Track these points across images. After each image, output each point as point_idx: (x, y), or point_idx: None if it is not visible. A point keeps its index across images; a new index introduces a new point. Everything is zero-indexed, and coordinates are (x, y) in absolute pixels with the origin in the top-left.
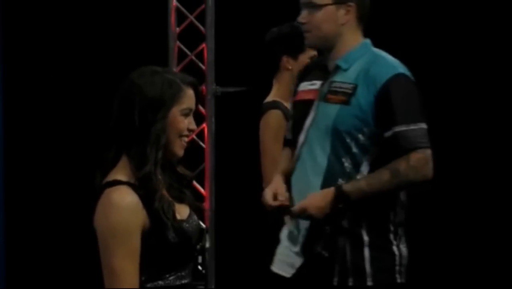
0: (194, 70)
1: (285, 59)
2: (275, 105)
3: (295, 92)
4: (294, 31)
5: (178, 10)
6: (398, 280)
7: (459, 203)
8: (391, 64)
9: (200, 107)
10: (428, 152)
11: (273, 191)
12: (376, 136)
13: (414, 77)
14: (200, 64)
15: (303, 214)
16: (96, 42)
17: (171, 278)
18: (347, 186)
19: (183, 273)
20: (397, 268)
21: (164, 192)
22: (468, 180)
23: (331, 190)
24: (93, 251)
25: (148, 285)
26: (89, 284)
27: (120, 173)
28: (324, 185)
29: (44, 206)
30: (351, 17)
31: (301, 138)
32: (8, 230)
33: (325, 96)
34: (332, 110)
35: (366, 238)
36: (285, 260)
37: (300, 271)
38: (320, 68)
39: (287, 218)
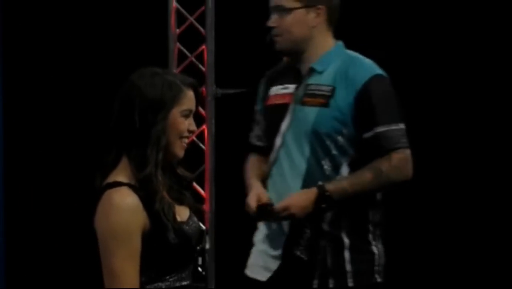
0: (194, 72)
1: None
2: None
3: (265, 97)
4: None
5: (178, 11)
6: (378, 280)
7: (431, 201)
8: (369, 66)
9: (200, 109)
10: (408, 152)
11: (256, 196)
12: (355, 137)
13: (393, 78)
14: (200, 66)
15: (285, 212)
16: (96, 44)
17: (171, 279)
18: (330, 186)
19: (183, 275)
20: (376, 268)
21: (165, 193)
22: (439, 178)
23: (313, 190)
24: (93, 251)
25: (148, 287)
26: (89, 284)
27: (121, 174)
28: (304, 188)
29: (44, 206)
30: (321, 20)
31: (278, 142)
32: (8, 230)
33: (301, 99)
34: (310, 112)
35: (346, 240)
36: (261, 264)
37: (278, 275)
38: (292, 71)
39: (260, 223)
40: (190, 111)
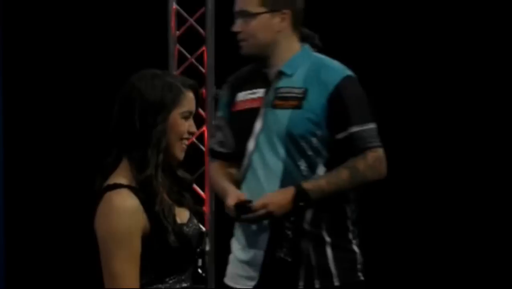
0: (194, 73)
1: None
2: None
3: (230, 103)
4: None
5: (178, 13)
6: (361, 278)
7: (403, 199)
8: (339, 67)
9: (200, 110)
10: (382, 150)
11: (235, 195)
12: (328, 138)
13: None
14: (200, 67)
15: (263, 210)
16: (96, 45)
17: (171, 281)
18: (307, 184)
19: (183, 277)
20: (358, 266)
21: (165, 195)
22: (412, 177)
23: (291, 188)
24: (93, 252)
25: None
26: (89, 285)
27: (121, 176)
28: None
29: (44, 207)
30: (286, 24)
31: (250, 146)
32: (8, 230)
33: (272, 103)
34: (283, 115)
35: (327, 238)
36: (241, 273)
37: (263, 280)
38: (259, 76)
39: (237, 230)
40: (190, 112)
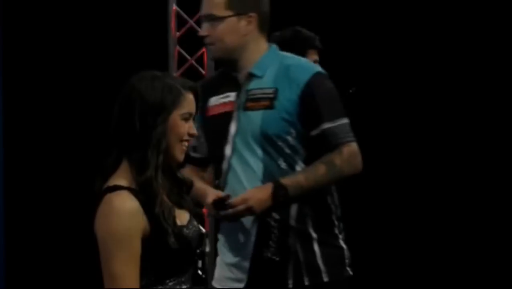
0: (194, 75)
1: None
2: None
3: (204, 108)
4: (295, 36)
5: (178, 14)
6: (350, 272)
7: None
8: (308, 64)
9: None
10: (356, 145)
11: (214, 194)
12: (303, 136)
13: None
14: (200, 69)
15: (243, 205)
16: (96, 47)
17: (171, 283)
18: (285, 180)
19: (183, 279)
20: (346, 260)
21: (164, 197)
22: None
23: (270, 184)
24: (93, 252)
25: None
26: (89, 285)
27: (121, 178)
28: None
29: (44, 207)
30: (253, 27)
31: (227, 150)
32: (8, 230)
33: (244, 105)
34: (255, 116)
35: (314, 234)
36: (229, 275)
37: (251, 280)
38: (229, 80)
39: (222, 233)
40: (190, 114)
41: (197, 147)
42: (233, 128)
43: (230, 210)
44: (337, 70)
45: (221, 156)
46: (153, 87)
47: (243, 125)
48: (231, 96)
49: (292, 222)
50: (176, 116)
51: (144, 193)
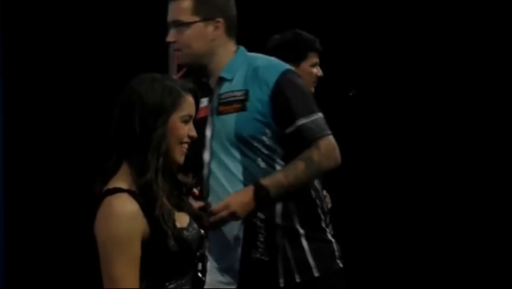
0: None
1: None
2: None
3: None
4: (296, 39)
5: None
6: (340, 265)
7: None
8: (276, 63)
9: None
10: (332, 138)
11: (194, 205)
12: (278, 135)
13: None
14: None
15: (226, 211)
16: (96, 48)
17: (171, 286)
18: (265, 180)
19: (183, 281)
20: (336, 253)
21: (164, 199)
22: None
23: (250, 186)
24: (92, 253)
25: None
26: (88, 286)
27: (121, 180)
28: None
29: (44, 209)
30: (220, 32)
31: (206, 156)
32: (8, 230)
33: (217, 110)
34: (229, 120)
35: (301, 230)
36: (219, 279)
37: (242, 283)
38: (201, 86)
39: (210, 238)
40: (190, 116)
41: None
42: (208, 133)
43: (212, 218)
44: (337, 72)
45: (200, 162)
46: (153, 89)
47: (218, 129)
48: (204, 101)
49: (278, 220)
50: (176, 118)
51: (144, 196)
